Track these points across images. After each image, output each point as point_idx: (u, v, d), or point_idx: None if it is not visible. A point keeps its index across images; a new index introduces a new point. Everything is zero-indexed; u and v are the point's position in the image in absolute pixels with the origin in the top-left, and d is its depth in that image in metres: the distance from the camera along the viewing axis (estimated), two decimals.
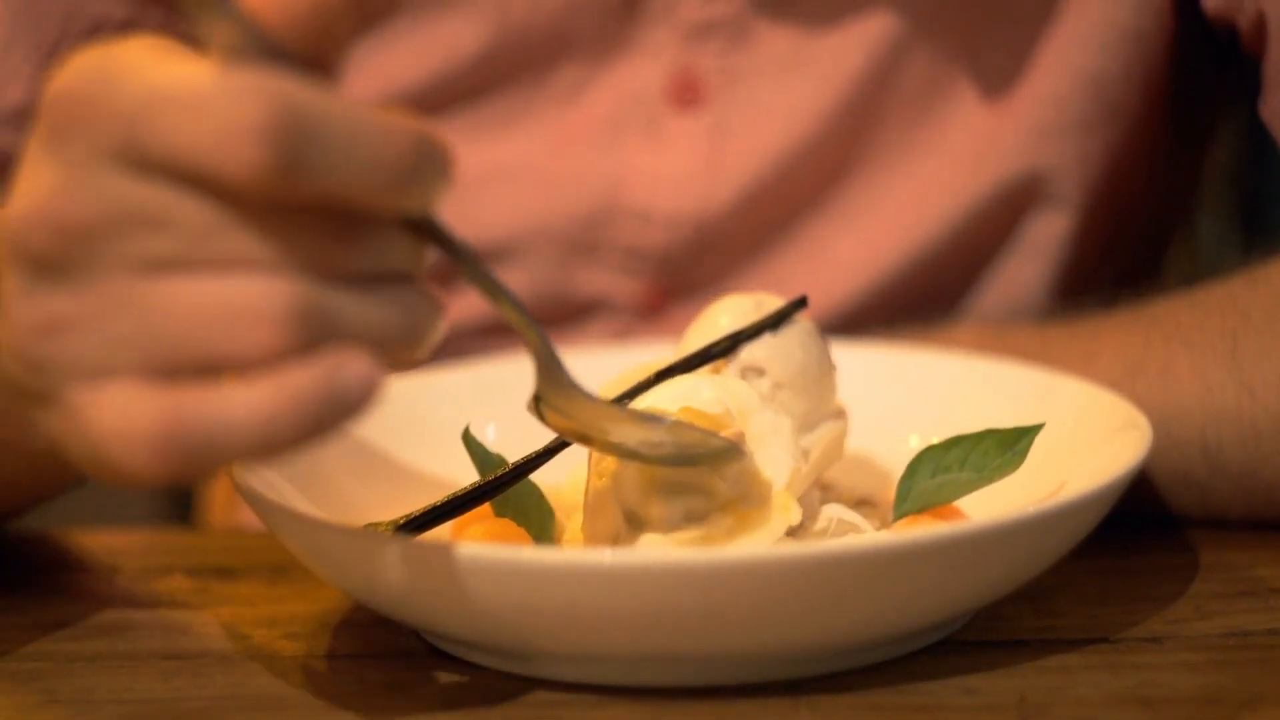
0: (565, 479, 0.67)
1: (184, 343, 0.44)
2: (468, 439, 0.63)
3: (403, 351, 0.46)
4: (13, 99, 0.79)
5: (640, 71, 0.84)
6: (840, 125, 0.83)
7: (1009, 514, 0.54)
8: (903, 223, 0.84)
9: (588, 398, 0.56)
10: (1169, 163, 0.89)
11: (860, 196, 0.84)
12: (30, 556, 0.72)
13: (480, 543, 0.58)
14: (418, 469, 0.69)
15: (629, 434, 0.56)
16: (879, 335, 0.80)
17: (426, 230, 0.47)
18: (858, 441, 0.68)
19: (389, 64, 0.84)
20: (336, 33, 0.45)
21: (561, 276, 0.85)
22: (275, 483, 0.61)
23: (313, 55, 0.45)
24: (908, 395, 0.73)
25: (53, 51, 0.79)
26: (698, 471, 0.58)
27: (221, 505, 1.00)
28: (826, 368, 0.66)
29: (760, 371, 0.64)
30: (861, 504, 0.67)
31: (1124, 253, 0.89)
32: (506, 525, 0.62)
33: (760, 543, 0.57)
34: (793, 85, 0.83)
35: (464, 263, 0.49)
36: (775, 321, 0.65)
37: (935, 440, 0.63)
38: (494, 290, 0.50)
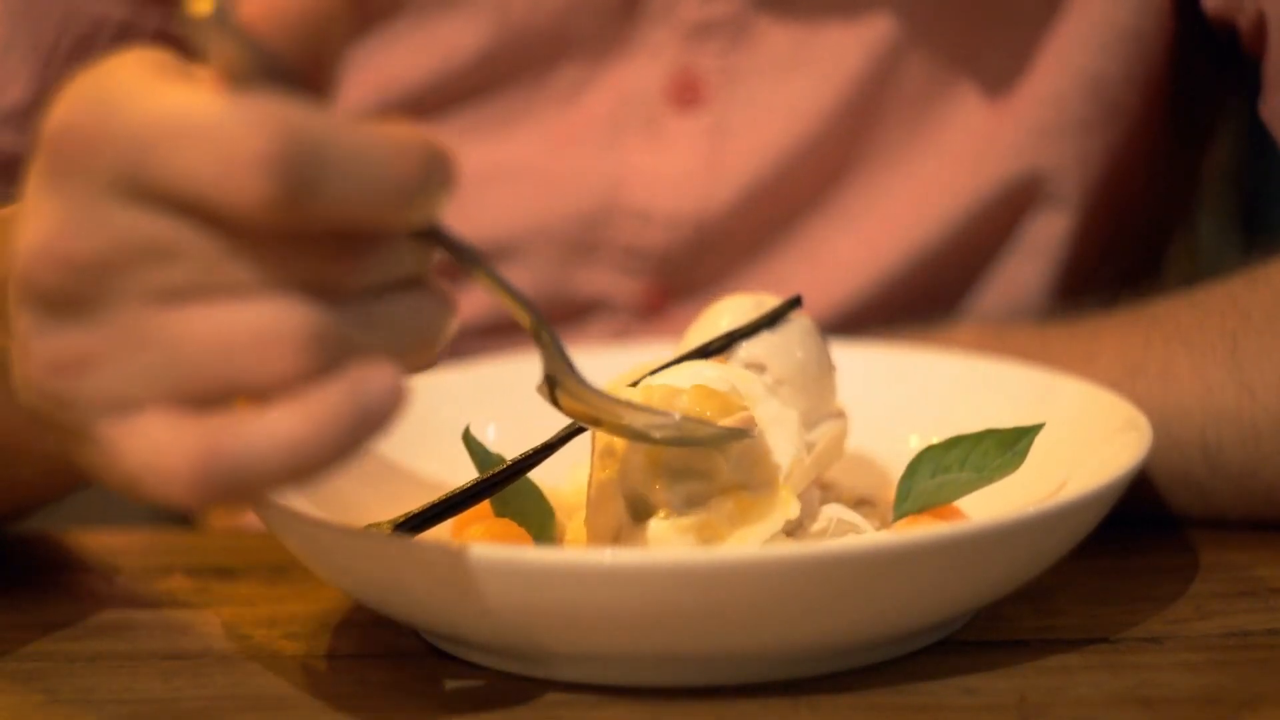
0: (565, 479, 0.67)
1: (208, 371, 0.44)
2: (468, 439, 0.63)
3: (421, 354, 0.47)
4: (12, 99, 0.79)
5: (640, 71, 0.83)
6: (840, 125, 0.83)
7: (1009, 514, 0.54)
8: (903, 223, 0.84)
9: (599, 392, 0.56)
10: (1169, 163, 0.89)
11: (860, 196, 0.84)
12: (30, 556, 0.72)
13: (480, 542, 0.58)
14: (418, 469, 0.69)
15: (639, 419, 0.56)
16: (879, 335, 0.80)
17: (431, 235, 0.47)
18: (858, 441, 0.68)
19: (389, 64, 0.84)
20: (333, 39, 0.45)
21: (561, 276, 0.85)
22: None
23: (310, 65, 0.44)
24: (908, 395, 0.73)
25: (52, 52, 0.79)
26: (703, 455, 0.58)
27: None
28: (826, 367, 0.66)
29: (761, 368, 0.64)
30: (861, 504, 0.67)
31: (1124, 253, 0.89)
32: (507, 525, 0.62)
33: (758, 535, 0.57)
34: (793, 85, 0.83)
35: (470, 263, 0.49)
36: (772, 319, 0.65)
37: (935, 440, 0.64)
38: (502, 288, 0.50)
